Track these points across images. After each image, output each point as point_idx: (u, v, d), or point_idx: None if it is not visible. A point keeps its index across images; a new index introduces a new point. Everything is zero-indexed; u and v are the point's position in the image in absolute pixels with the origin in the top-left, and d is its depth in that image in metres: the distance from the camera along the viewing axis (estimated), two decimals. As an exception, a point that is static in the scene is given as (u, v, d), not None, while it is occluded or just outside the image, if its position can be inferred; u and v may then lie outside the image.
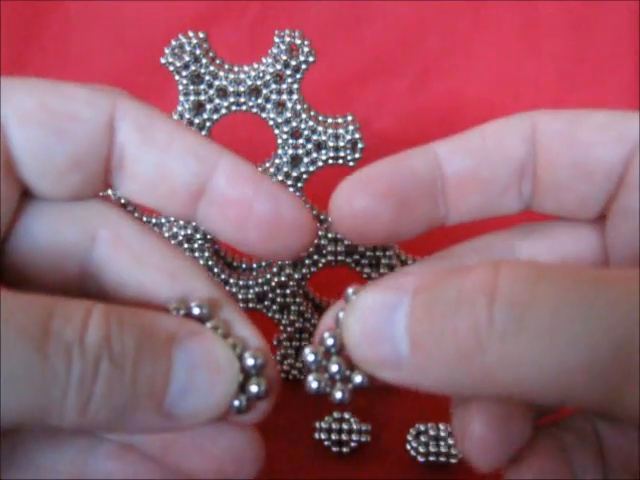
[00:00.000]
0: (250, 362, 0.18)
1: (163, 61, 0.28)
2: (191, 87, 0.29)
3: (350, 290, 0.18)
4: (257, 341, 0.19)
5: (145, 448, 0.20)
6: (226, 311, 0.19)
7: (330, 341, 0.18)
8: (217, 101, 0.29)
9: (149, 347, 0.16)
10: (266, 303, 0.32)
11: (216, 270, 0.32)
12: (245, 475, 0.19)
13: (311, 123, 0.29)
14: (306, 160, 0.30)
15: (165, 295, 0.19)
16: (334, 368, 0.18)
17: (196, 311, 0.18)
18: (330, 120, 0.30)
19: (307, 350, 0.18)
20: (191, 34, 0.28)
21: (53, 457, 0.19)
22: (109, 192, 0.31)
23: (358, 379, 0.18)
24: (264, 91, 0.29)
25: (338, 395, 0.18)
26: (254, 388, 0.18)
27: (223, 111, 0.29)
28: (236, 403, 0.18)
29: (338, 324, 0.18)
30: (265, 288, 0.32)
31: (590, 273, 0.15)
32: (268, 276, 0.32)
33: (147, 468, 0.19)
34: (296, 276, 0.31)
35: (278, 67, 0.28)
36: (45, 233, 0.19)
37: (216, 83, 0.29)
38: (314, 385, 0.18)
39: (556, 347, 0.14)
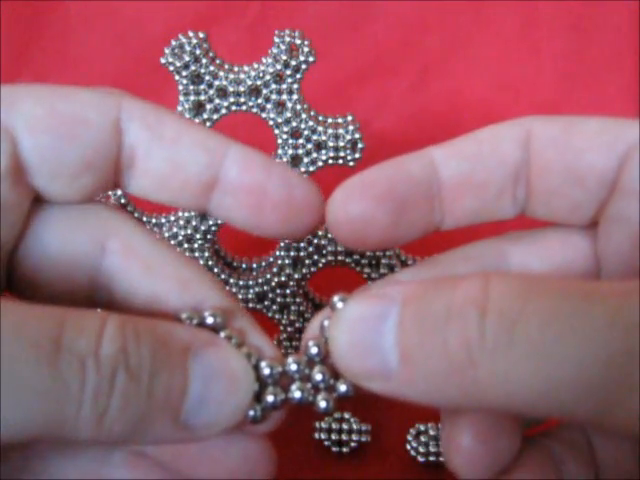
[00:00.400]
0: (266, 371, 0.18)
1: (163, 61, 0.28)
2: (191, 87, 0.29)
3: (336, 298, 0.18)
4: (271, 350, 0.19)
5: (157, 456, 0.19)
6: (239, 320, 0.19)
7: (314, 350, 0.18)
8: (217, 101, 0.29)
9: (165, 358, 0.16)
10: (266, 303, 0.32)
11: (216, 270, 0.32)
12: None
13: (311, 123, 0.29)
14: (306, 160, 0.30)
15: (176, 305, 0.19)
16: (318, 377, 0.18)
17: (210, 320, 0.18)
18: (330, 120, 0.30)
19: (290, 359, 0.18)
20: (191, 34, 0.28)
21: (66, 466, 0.19)
22: (109, 192, 0.31)
23: (343, 388, 0.18)
24: (264, 91, 0.29)
25: (322, 404, 0.18)
26: (270, 398, 0.18)
27: (223, 111, 0.29)
28: (251, 413, 0.17)
29: (323, 332, 0.18)
30: (265, 288, 0.32)
31: (581, 287, 0.15)
32: (268, 276, 0.32)
33: (159, 476, 0.19)
34: (296, 276, 0.31)
35: (278, 67, 0.28)
36: (55, 242, 0.19)
37: (216, 83, 0.29)
38: (297, 395, 0.18)
39: (546, 362, 0.14)
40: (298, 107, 0.29)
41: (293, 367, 0.18)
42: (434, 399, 0.16)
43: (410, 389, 0.16)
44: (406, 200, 0.20)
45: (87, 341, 0.15)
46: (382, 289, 0.17)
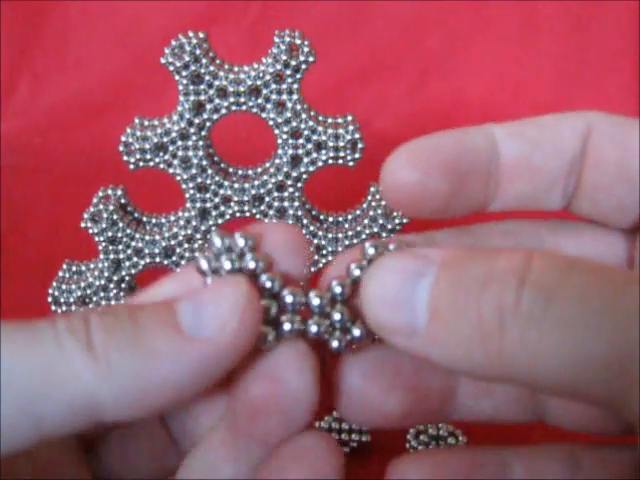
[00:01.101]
0: (288, 299, 0.17)
1: (163, 61, 0.28)
2: (191, 87, 0.29)
3: (367, 244, 0.18)
4: (300, 277, 0.18)
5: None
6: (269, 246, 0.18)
7: (337, 289, 0.18)
8: (217, 101, 0.29)
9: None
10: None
11: (216, 270, 0.32)
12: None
13: (311, 123, 0.29)
14: (306, 160, 0.30)
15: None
16: (337, 316, 0.18)
17: (240, 242, 0.17)
18: (330, 120, 0.30)
19: (312, 293, 0.18)
20: (191, 34, 0.28)
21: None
22: (109, 192, 0.31)
23: (357, 332, 0.18)
24: (264, 91, 0.29)
25: (335, 344, 0.18)
26: (287, 325, 0.17)
27: (223, 111, 0.29)
28: (269, 338, 0.17)
29: (348, 273, 0.18)
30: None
31: (620, 271, 0.15)
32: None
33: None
34: (296, 276, 0.32)
35: (278, 67, 0.28)
36: None
37: (216, 83, 0.29)
38: (314, 328, 0.17)
39: (578, 336, 0.14)
40: (298, 107, 0.29)
41: (315, 301, 0.17)
42: (455, 362, 0.16)
43: (433, 348, 0.16)
44: (468, 171, 0.19)
45: None
46: (421, 249, 0.17)
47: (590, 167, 0.20)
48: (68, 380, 0.15)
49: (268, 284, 0.17)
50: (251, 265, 0.17)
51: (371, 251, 0.18)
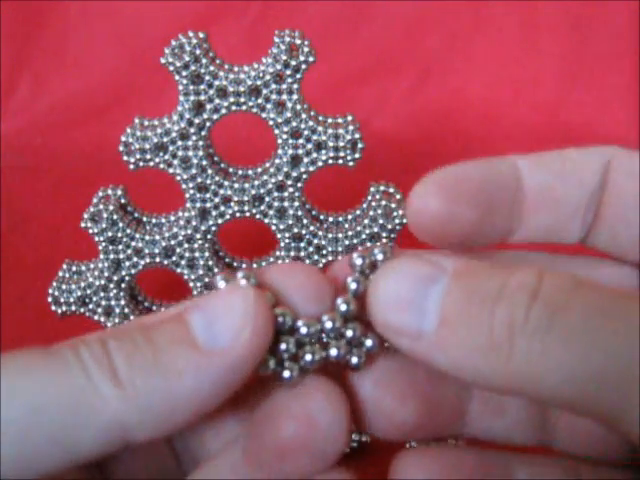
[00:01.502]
0: (304, 330, 0.18)
1: (163, 61, 0.28)
2: (191, 87, 0.29)
3: (355, 256, 0.18)
4: (305, 307, 0.18)
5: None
6: (272, 280, 0.18)
7: (344, 307, 0.18)
8: (217, 101, 0.29)
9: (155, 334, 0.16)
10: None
11: (216, 270, 0.32)
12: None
13: (311, 123, 0.29)
14: (306, 160, 0.30)
15: None
16: (349, 333, 0.18)
17: (243, 282, 0.17)
18: (330, 120, 0.30)
19: (325, 317, 0.18)
20: (191, 34, 0.28)
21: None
22: (109, 192, 0.31)
23: (369, 343, 0.18)
24: (264, 91, 0.29)
25: (354, 360, 0.18)
26: (309, 357, 0.18)
27: (223, 111, 0.29)
28: (286, 374, 0.17)
29: (347, 289, 0.18)
30: (265, 288, 0.32)
31: (625, 291, 0.16)
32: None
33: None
34: (296, 276, 0.32)
35: (278, 67, 0.28)
36: None
37: (216, 83, 0.29)
38: (334, 352, 0.18)
39: (579, 351, 0.15)
40: (298, 107, 0.29)
41: (329, 324, 0.18)
42: (460, 369, 0.16)
43: (439, 354, 0.16)
44: (494, 201, 0.20)
45: None
46: (432, 256, 0.17)
47: (609, 200, 0.20)
48: (98, 409, 0.15)
49: (280, 320, 0.17)
50: (279, 320, 0.17)
51: (359, 261, 0.18)
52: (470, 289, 0.16)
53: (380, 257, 0.18)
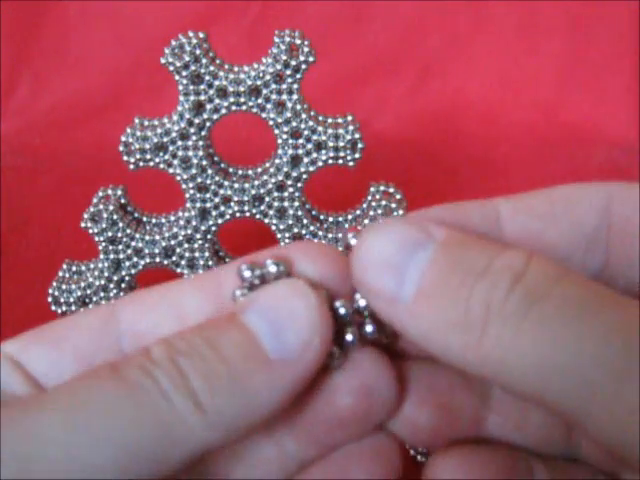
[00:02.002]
0: (342, 311, 0.17)
1: (163, 61, 0.28)
2: (191, 87, 0.29)
3: (350, 234, 0.18)
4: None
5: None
6: (301, 266, 0.18)
7: (361, 303, 0.18)
8: (217, 101, 0.29)
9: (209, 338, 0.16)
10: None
11: (216, 270, 0.32)
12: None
13: (311, 123, 0.29)
14: (306, 160, 0.30)
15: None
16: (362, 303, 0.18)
17: (272, 269, 0.17)
18: (330, 120, 0.30)
19: (357, 295, 0.18)
20: (191, 34, 0.28)
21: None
22: (109, 192, 0.31)
23: (369, 328, 0.18)
24: (264, 91, 0.29)
25: (369, 328, 0.18)
26: (350, 336, 0.18)
27: (223, 111, 0.29)
28: (337, 354, 0.17)
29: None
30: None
31: (609, 293, 0.15)
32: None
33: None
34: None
35: (278, 67, 0.28)
36: None
37: (216, 83, 0.29)
38: (369, 328, 0.18)
39: (550, 342, 0.14)
40: (298, 107, 0.29)
41: (362, 303, 0.18)
42: (429, 342, 0.16)
43: (413, 323, 0.16)
44: None
45: None
46: (424, 222, 0.17)
47: (617, 239, 0.19)
48: (184, 437, 0.15)
49: (341, 311, 0.17)
50: None
51: (352, 240, 0.18)
52: (455, 261, 0.16)
53: (352, 241, 0.18)
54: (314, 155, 0.29)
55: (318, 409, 0.18)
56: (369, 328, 0.18)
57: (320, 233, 0.31)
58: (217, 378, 0.15)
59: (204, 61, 0.28)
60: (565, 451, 0.20)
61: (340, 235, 0.18)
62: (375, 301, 0.17)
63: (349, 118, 0.30)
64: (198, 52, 0.28)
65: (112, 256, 0.31)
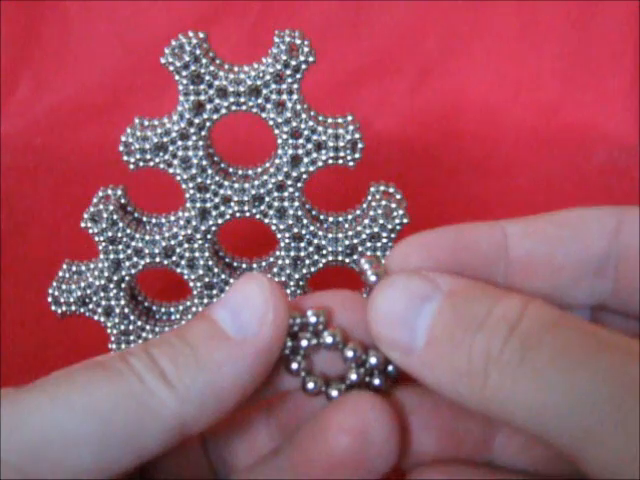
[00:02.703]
0: (373, 360, 0.19)
1: (163, 61, 0.28)
2: (191, 87, 0.29)
3: (371, 275, 0.19)
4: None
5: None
6: (340, 317, 0.20)
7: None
8: (217, 101, 0.29)
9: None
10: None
11: (216, 270, 0.32)
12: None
13: (311, 123, 0.29)
14: (306, 160, 0.30)
15: None
16: (349, 353, 0.19)
17: (312, 319, 0.19)
18: (330, 120, 0.30)
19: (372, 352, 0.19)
20: (191, 34, 0.28)
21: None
22: (109, 192, 0.31)
23: (373, 360, 0.19)
24: (264, 91, 0.29)
25: (377, 382, 0.19)
26: (354, 376, 0.19)
27: (223, 111, 0.29)
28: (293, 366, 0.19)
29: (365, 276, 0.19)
30: (265, 288, 0.32)
31: (605, 335, 0.16)
32: (268, 276, 0.32)
33: None
34: (296, 276, 0.31)
35: (278, 67, 0.28)
36: None
37: (216, 83, 0.29)
38: (374, 361, 0.19)
39: (543, 387, 0.15)
40: (298, 107, 0.29)
41: (349, 354, 0.19)
42: (442, 388, 0.17)
43: (425, 371, 0.17)
44: (466, 268, 0.20)
45: None
46: (431, 273, 0.18)
47: (627, 264, 0.19)
48: (158, 411, 0.17)
49: (350, 354, 0.19)
50: (329, 340, 0.19)
51: (372, 277, 0.19)
52: (458, 312, 0.17)
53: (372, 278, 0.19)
54: (314, 155, 0.29)
55: (316, 448, 0.18)
56: (373, 360, 0.19)
57: (320, 233, 0.31)
58: (183, 358, 0.17)
59: (204, 61, 0.28)
60: (573, 473, 0.20)
61: (361, 262, 0.19)
62: (393, 354, 0.18)
63: (349, 118, 0.30)
64: (198, 52, 0.28)
65: (112, 256, 0.31)
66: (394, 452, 0.18)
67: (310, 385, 0.19)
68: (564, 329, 0.16)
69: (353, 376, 0.19)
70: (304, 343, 0.19)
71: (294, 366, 0.19)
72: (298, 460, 0.18)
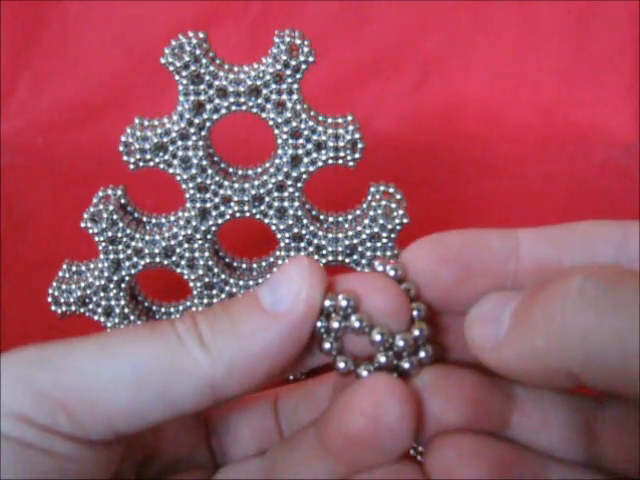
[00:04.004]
0: (400, 343, 0.19)
1: (163, 61, 0.28)
2: (191, 87, 0.29)
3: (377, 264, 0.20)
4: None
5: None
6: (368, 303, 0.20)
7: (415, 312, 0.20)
8: (217, 101, 0.29)
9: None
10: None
11: (216, 270, 0.32)
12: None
13: (311, 123, 0.29)
14: (306, 160, 0.30)
15: None
16: (417, 332, 0.19)
17: (343, 303, 0.19)
18: (330, 120, 0.30)
19: (416, 328, 0.20)
20: (191, 34, 0.28)
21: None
22: (109, 192, 0.31)
23: (423, 354, 0.19)
24: (264, 91, 0.29)
25: (406, 365, 0.19)
26: (406, 365, 0.19)
27: (223, 111, 0.29)
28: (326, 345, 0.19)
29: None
30: (265, 288, 0.32)
31: None
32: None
33: None
34: (296, 276, 0.32)
35: (278, 67, 0.28)
36: None
37: (216, 83, 0.29)
38: (400, 342, 0.19)
39: (633, 322, 0.15)
40: (298, 107, 0.29)
41: (416, 332, 0.19)
42: (524, 358, 0.17)
43: (508, 354, 0.17)
44: (476, 269, 0.20)
45: None
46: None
47: None
48: (191, 369, 0.18)
49: (378, 337, 0.19)
50: (356, 324, 0.19)
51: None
52: (536, 292, 0.17)
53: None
54: (314, 155, 0.29)
55: (334, 426, 0.19)
56: (423, 354, 0.20)
57: (320, 233, 0.31)
58: (220, 324, 0.19)
59: (204, 61, 0.28)
60: (586, 456, 0.21)
61: (375, 264, 0.20)
62: (484, 355, 0.18)
63: (349, 118, 0.30)
64: (198, 52, 0.28)
65: (112, 256, 0.31)
66: (408, 435, 0.18)
67: (341, 365, 0.19)
68: (636, 275, 0.16)
69: (382, 359, 0.19)
70: (335, 325, 0.19)
71: (326, 346, 0.19)
72: (324, 435, 0.19)
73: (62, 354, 0.18)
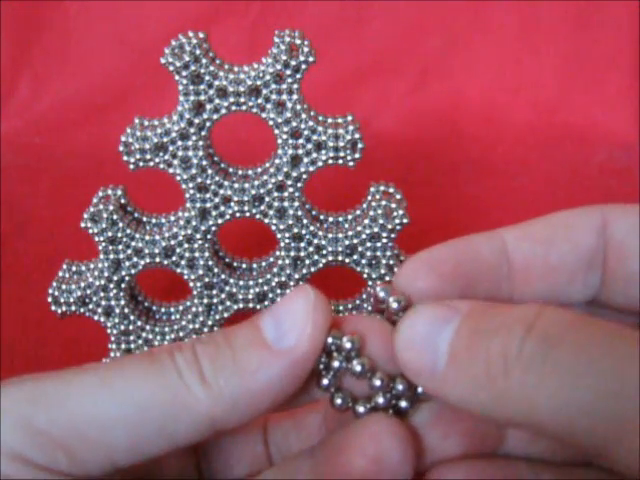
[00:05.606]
0: (400, 387, 0.19)
1: (163, 61, 0.28)
2: (191, 87, 0.29)
3: (392, 299, 0.20)
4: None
5: None
6: (372, 346, 0.20)
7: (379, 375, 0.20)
8: (217, 101, 0.29)
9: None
10: (266, 303, 0.32)
11: (216, 270, 0.32)
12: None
13: (311, 123, 0.29)
14: (306, 160, 0.30)
15: None
16: (377, 381, 0.19)
17: (347, 345, 0.19)
18: (330, 120, 0.30)
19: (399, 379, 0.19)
20: (191, 34, 0.28)
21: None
22: (109, 192, 0.31)
23: (400, 386, 0.19)
24: (264, 91, 0.29)
25: (403, 404, 0.20)
26: (403, 404, 0.20)
27: (223, 111, 0.29)
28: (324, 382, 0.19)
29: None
30: (265, 288, 0.32)
31: (622, 332, 0.16)
32: (268, 276, 0.32)
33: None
34: (296, 276, 0.31)
35: (278, 67, 0.28)
36: None
37: (216, 83, 0.29)
38: (400, 387, 0.19)
39: (573, 384, 0.15)
40: (298, 107, 0.29)
41: (377, 383, 0.20)
42: (467, 404, 0.17)
43: (450, 389, 0.17)
44: (473, 278, 0.20)
45: None
46: (453, 301, 0.19)
47: (614, 259, 0.20)
48: (191, 405, 0.18)
49: (377, 383, 0.19)
50: (358, 369, 0.19)
51: (394, 304, 0.20)
52: (475, 326, 0.17)
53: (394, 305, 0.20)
54: (314, 155, 0.29)
55: (336, 464, 0.19)
56: (400, 386, 0.20)
57: (320, 233, 0.31)
58: (222, 359, 0.18)
59: (204, 61, 0.28)
60: (582, 459, 0.21)
61: (374, 291, 0.20)
62: (420, 380, 0.18)
63: (349, 118, 0.30)
64: (198, 52, 0.28)
65: (112, 256, 0.31)
66: (409, 475, 0.18)
67: (338, 401, 0.19)
68: (584, 324, 0.16)
69: (380, 400, 0.19)
70: (336, 364, 0.19)
71: (324, 382, 0.19)
72: (320, 472, 0.19)
73: (59, 390, 0.18)
